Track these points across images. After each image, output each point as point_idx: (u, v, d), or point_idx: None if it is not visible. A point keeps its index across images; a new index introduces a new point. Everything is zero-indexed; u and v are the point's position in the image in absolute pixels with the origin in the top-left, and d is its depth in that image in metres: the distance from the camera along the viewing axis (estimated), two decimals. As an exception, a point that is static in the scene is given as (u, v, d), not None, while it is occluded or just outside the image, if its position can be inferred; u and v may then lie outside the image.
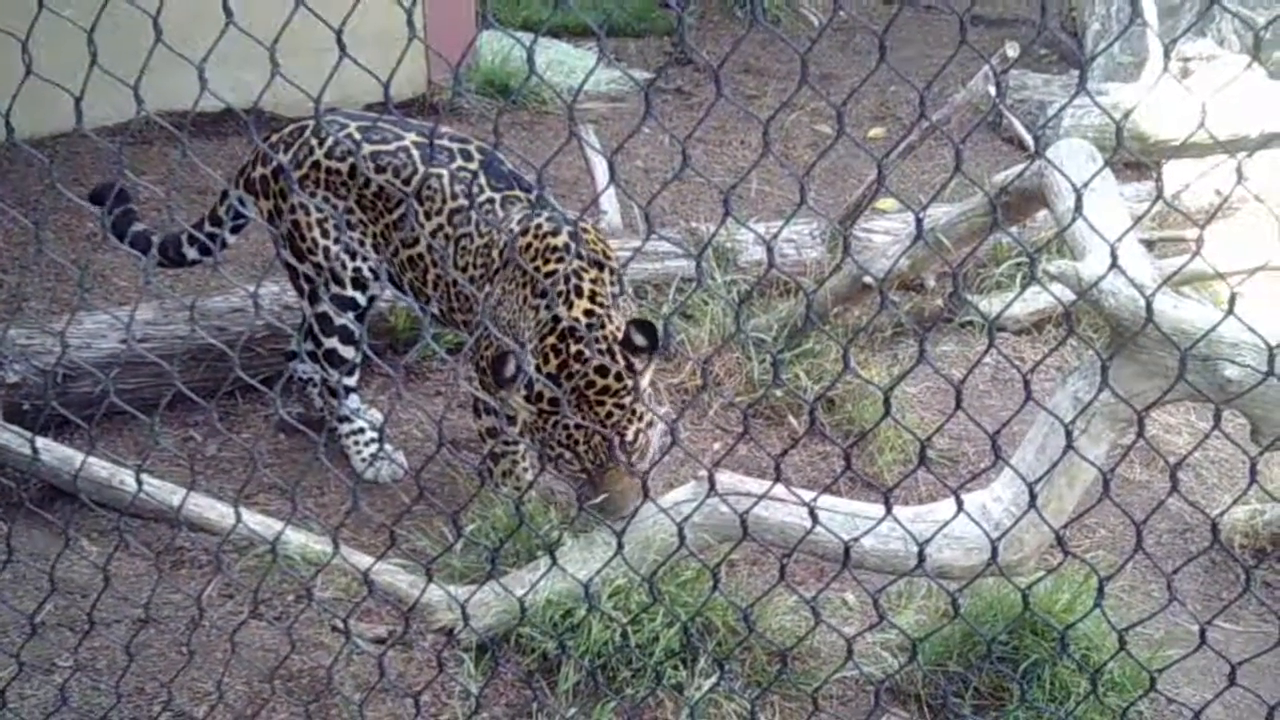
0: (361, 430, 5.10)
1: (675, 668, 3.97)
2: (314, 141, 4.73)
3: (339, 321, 4.82)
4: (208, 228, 5.08)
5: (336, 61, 2.16)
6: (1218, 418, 2.38)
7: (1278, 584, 4.92)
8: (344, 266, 4.76)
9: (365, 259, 4.77)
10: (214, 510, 4.47)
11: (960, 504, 2.82)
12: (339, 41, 2.16)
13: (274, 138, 4.86)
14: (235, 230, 5.14)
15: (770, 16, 10.63)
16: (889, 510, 3.10)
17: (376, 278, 4.81)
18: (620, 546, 2.85)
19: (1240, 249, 6.37)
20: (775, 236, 2.40)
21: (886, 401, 2.30)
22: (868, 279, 5.71)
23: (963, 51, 2.15)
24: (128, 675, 3.60)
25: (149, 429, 4.72)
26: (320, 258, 4.75)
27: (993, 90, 6.17)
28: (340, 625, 3.97)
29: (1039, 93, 9.04)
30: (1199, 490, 5.38)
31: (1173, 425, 5.81)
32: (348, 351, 4.87)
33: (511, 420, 4.45)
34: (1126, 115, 3.51)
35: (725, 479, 4.05)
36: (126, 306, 5.64)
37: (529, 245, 4.33)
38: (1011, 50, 6.01)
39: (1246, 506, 5.04)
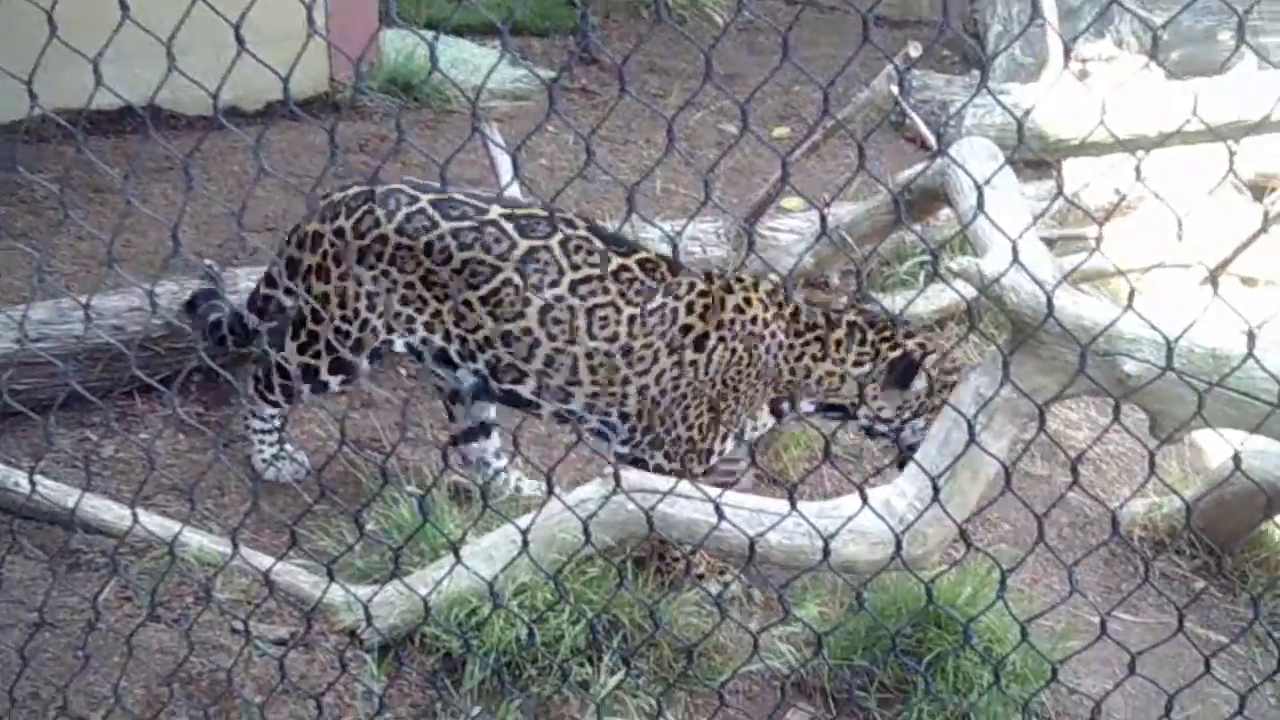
0: (268, 431, 5.00)
1: (581, 665, 3.97)
2: (381, 214, 4.47)
3: (323, 378, 4.68)
4: (263, 290, 4.84)
5: (234, 57, 2.13)
6: (1117, 411, 2.41)
7: (1176, 575, 5.01)
8: (375, 336, 4.58)
9: (404, 335, 4.60)
10: (110, 511, 4.38)
11: (865, 499, 2.84)
12: (238, 37, 2.13)
13: (336, 197, 4.59)
14: (288, 293, 4.90)
15: (675, 16, 10.62)
16: (794, 506, 3.12)
17: (392, 348, 4.65)
18: (525, 544, 2.84)
19: (1139, 246, 6.47)
20: (680, 234, 2.40)
21: (791, 398, 2.31)
22: (773, 276, 5.73)
23: (866, 51, 2.16)
24: (22, 680, 3.53)
25: (44, 429, 4.63)
26: (355, 327, 4.56)
27: (896, 90, 6.21)
28: (240, 627, 3.92)
29: (941, 92, 9.10)
30: (1099, 484, 5.46)
31: (1073, 420, 5.90)
32: (303, 387, 4.74)
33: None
34: (1027, 114, 3.55)
35: (631, 476, 4.05)
36: (20, 305, 5.52)
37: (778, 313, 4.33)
38: (914, 50, 6.06)
39: (1145, 499, 5.12)
